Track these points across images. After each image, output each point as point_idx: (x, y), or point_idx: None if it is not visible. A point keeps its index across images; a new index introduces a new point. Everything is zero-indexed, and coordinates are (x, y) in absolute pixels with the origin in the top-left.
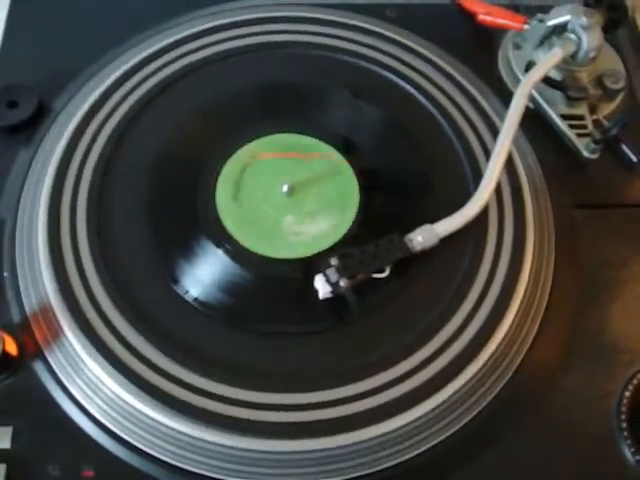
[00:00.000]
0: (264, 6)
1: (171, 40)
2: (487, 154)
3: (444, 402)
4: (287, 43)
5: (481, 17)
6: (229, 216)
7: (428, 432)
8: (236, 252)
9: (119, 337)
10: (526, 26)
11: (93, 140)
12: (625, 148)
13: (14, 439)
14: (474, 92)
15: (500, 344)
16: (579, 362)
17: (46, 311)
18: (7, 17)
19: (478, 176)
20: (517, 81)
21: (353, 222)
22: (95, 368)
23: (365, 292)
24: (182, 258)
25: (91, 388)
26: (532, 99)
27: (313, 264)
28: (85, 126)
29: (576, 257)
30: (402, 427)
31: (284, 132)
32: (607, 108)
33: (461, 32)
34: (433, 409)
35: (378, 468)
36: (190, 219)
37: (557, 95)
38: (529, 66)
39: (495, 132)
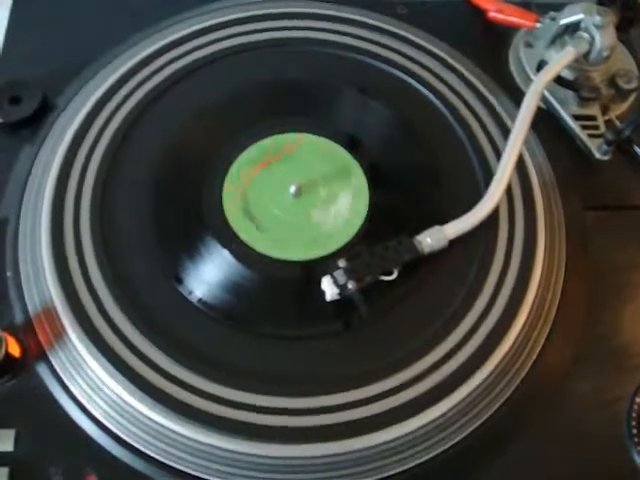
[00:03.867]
0: (273, 1)
1: (177, 36)
2: (498, 154)
3: (454, 407)
4: (296, 40)
5: (492, 15)
6: (236, 216)
7: (436, 438)
8: (242, 253)
9: (122, 338)
10: (538, 24)
11: (97, 138)
12: (638, 149)
13: (17, 442)
14: (485, 91)
15: (510, 348)
16: (589, 366)
17: (49, 312)
18: (10, 12)
19: (489, 176)
20: (528, 80)
21: (362, 223)
22: (98, 370)
23: (373, 294)
24: (187, 258)
25: (94, 390)
26: (543, 99)
27: (321, 266)
28: (89, 123)
29: (587, 259)
30: (411, 432)
31: (292, 131)
32: (619, 108)
33: (472, 30)
34: (442, 414)
35: (388, 474)
36: (196, 219)
37: (569, 95)
38: (541, 65)
39: (506, 132)
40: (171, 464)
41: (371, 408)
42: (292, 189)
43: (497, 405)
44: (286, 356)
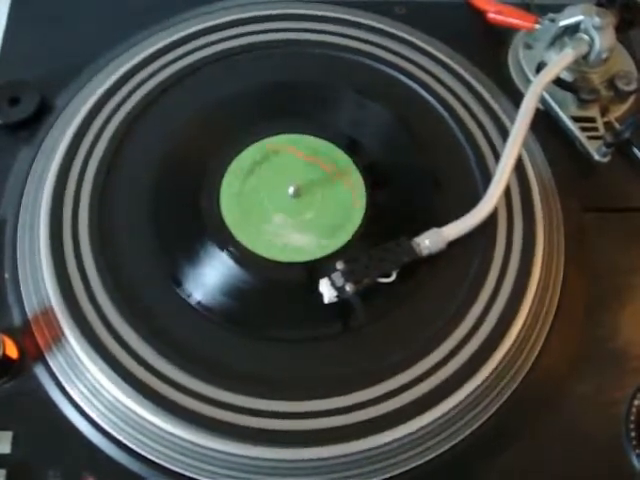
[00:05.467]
0: (270, 3)
1: (175, 37)
2: (496, 156)
3: (453, 409)
4: (294, 42)
5: (491, 16)
6: (234, 219)
7: (435, 440)
8: (240, 255)
9: (120, 341)
10: (537, 26)
11: (96, 139)
12: (637, 151)
13: (14, 444)
14: (483, 92)
15: (509, 350)
16: (588, 369)
17: (47, 314)
18: (9, 12)
19: (487, 178)
20: (527, 82)
21: (360, 225)
22: (96, 372)
23: (371, 297)
24: (186, 261)
25: (92, 392)
26: (542, 100)
27: (319, 268)
28: (88, 124)
29: (586, 262)
30: (410, 435)
31: (290, 133)
32: (619, 110)
33: (471, 31)
34: (442, 416)
35: (386, 476)
36: (194, 221)
37: (568, 97)
38: (540, 67)
39: (504, 134)
40: (169, 466)
41: (370, 411)
42: (290, 190)
43: (496, 407)
44: (284, 359)
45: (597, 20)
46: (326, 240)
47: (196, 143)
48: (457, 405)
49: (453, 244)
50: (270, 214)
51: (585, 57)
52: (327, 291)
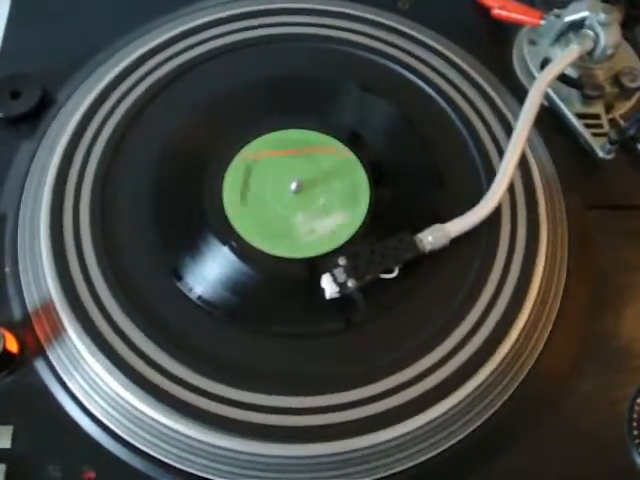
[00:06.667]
0: None
1: (177, 31)
2: (500, 152)
3: (455, 406)
4: (297, 36)
5: (496, 11)
6: (236, 213)
7: (436, 438)
8: (242, 250)
9: (121, 335)
10: (542, 21)
11: (97, 133)
12: None
13: (14, 438)
14: (488, 88)
15: (511, 348)
16: (591, 367)
17: (47, 308)
18: (10, 5)
19: (491, 175)
20: (532, 78)
21: (363, 221)
22: (96, 367)
23: (374, 293)
24: (187, 255)
25: (92, 387)
26: (547, 97)
27: (321, 263)
28: (89, 118)
29: (589, 259)
30: (411, 432)
31: (293, 128)
32: (623, 107)
33: (475, 26)
34: (444, 414)
35: (386, 473)
36: (196, 215)
37: (572, 93)
38: (544, 63)
39: (508, 130)
40: (169, 462)
41: (370, 408)
42: (293, 186)
43: (498, 405)
44: (286, 354)
45: (603, 16)
46: (329, 235)
47: (199, 137)
48: (459, 402)
49: (456, 240)
50: (272, 209)
51: (590, 53)
52: (329, 287)
